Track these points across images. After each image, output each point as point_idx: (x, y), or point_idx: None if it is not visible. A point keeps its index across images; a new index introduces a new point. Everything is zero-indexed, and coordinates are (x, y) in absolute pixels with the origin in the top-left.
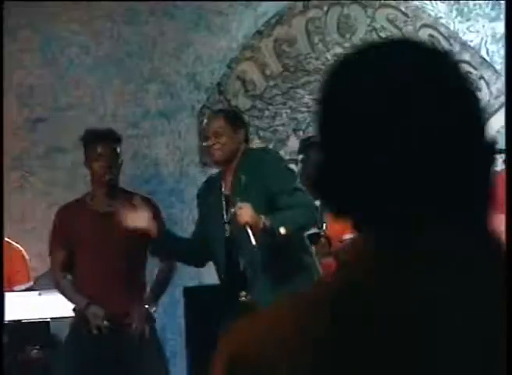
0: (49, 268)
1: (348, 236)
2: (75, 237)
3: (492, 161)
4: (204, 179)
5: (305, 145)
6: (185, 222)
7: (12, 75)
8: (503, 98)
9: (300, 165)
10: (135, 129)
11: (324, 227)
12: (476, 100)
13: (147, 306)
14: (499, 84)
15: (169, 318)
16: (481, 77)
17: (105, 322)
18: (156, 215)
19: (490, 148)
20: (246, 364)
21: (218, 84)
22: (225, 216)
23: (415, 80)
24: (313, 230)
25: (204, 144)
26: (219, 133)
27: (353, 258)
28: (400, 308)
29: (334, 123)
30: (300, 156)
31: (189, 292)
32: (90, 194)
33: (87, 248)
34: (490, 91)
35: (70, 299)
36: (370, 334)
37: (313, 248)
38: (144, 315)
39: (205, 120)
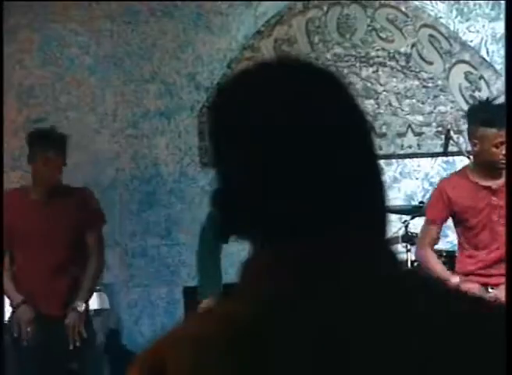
0: None
1: None
2: (13, 227)
3: (378, 172)
4: (203, 179)
5: None
6: (185, 222)
7: (12, 75)
8: (503, 98)
9: None
10: (135, 129)
11: None
12: (358, 112)
13: (79, 307)
14: (499, 84)
15: (169, 318)
16: (481, 77)
17: (29, 328)
18: (92, 204)
19: (375, 161)
20: (159, 366)
21: (218, 84)
22: None
23: (298, 99)
24: None
25: None
26: None
27: (254, 276)
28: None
29: (223, 146)
30: None
31: (189, 292)
32: (30, 188)
33: (25, 239)
34: (490, 91)
35: (6, 294)
36: (273, 353)
37: None
38: (78, 317)
39: None
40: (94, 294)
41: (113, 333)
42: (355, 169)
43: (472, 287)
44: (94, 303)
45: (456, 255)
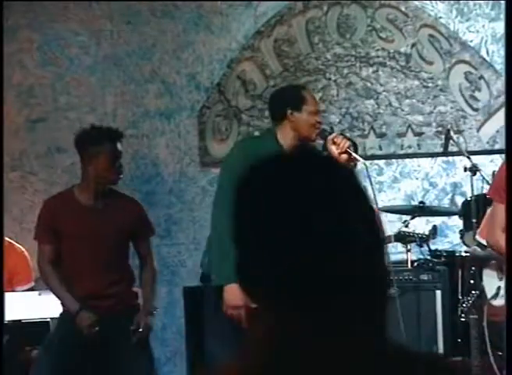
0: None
1: None
2: (61, 230)
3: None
4: (203, 179)
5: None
6: (185, 222)
7: (12, 75)
8: (503, 98)
9: None
10: (135, 129)
11: None
12: (368, 209)
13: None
14: (499, 84)
15: (169, 318)
16: (481, 77)
17: (96, 328)
18: (144, 216)
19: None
20: None
21: (218, 84)
22: None
23: (313, 191)
24: None
25: (317, 119)
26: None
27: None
28: None
29: (248, 224)
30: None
31: (189, 292)
32: (78, 189)
33: (73, 243)
34: (490, 91)
35: (61, 299)
36: None
37: None
38: (148, 322)
39: (307, 92)
40: None
41: None
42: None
43: None
44: None
45: (457, 254)
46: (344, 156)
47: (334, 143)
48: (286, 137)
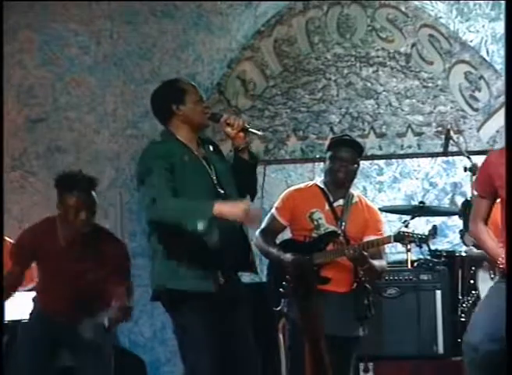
0: None
1: (369, 237)
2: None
3: None
4: None
5: (333, 143)
6: None
7: (12, 75)
8: (503, 98)
9: (327, 162)
10: (135, 129)
11: (343, 227)
12: None
13: None
14: (499, 84)
15: (169, 318)
16: (481, 77)
17: None
18: (124, 256)
19: None
20: None
21: (218, 84)
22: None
23: None
24: (331, 228)
25: (204, 105)
26: None
27: None
28: None
29: None
30: (329, 153)
31: None
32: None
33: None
34: (490, 91)
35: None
36: None
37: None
38: None
39: (184, 83)
40: None
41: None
42: None
43: None
44: None
45: (457, 254)
46: (241, 135)
47: (228, 124)
48: (181, 133)
